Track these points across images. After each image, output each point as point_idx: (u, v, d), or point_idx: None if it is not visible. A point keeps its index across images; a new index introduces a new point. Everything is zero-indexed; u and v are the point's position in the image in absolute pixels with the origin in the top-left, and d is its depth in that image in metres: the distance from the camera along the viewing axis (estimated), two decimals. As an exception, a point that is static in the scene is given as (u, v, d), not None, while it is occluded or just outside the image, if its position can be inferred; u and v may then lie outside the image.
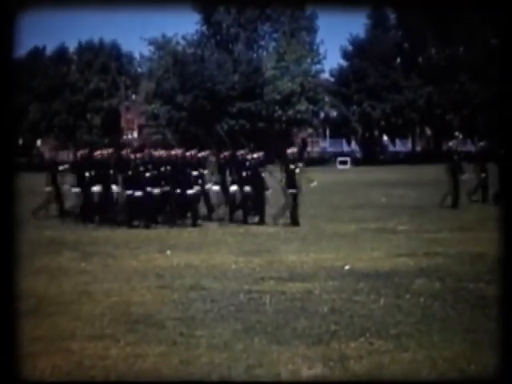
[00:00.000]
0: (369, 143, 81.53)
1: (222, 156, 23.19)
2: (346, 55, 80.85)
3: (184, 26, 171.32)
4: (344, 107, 78.54)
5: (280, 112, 78.33)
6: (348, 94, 77.68)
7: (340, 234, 18.22)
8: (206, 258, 14.54)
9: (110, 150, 22.21)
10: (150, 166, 20.64)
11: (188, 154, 22.11)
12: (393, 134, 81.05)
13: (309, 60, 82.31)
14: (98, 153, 21.80)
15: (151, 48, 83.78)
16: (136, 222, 20.41)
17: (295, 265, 13.46)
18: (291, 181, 20.48)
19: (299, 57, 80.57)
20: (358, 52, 78.91)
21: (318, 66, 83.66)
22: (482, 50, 71.48)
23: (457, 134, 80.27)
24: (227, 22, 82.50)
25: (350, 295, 10.63)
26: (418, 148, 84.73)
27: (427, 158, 69.13)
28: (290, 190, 20.44)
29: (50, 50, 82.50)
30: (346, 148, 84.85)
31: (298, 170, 20.57)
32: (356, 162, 73.35)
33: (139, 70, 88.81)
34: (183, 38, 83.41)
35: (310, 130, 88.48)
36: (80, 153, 22.97)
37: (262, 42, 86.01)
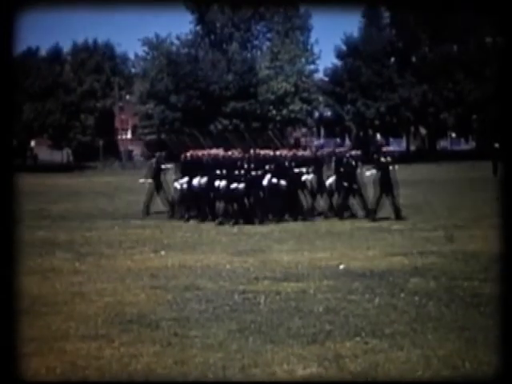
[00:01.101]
0: (363, 142, 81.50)
1: (319, 154, 23.81)
2: (339, 54, 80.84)
3: (178, 26, 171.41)
4: (338, 106, 78.55)
5: (274, 112, 78.36)
6: (342, 93, 77.69)
7: (334, 233, 18.22)
8: (200, 257, 14.52)
9: (217, 150, 22.60)
10: (255, 165, 21.29)
11: (292, 152, 22.59)
12: (387, 133, 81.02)
13: (303, 60, 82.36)
14: (204, 152, 22.51)
15: (145, 48, 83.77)
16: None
17: (290, 264, 13.44)
18: (385, 176, 20.77)
19: (293, 56, 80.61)
20: (351, 51, 78.92)
21: (312, 66, 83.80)
22: (476, 48, 71.61)
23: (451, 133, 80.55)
24: (221, 21, 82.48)
25: (345, 295, 10.61)
26: (413, 147, 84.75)
27: (422, 157, 69.19)
28: (386, 185, 20.82)
29: (43, 50, 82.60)
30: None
31: (391, 167, 21.13)
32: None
33: (133, 70, 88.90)
34: (177, 38, 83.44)
35: (304, 130, 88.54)
36: (189, 153, 23.28)
37: (256, 42, 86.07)
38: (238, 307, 9.95)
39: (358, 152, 22.86)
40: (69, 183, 49.95)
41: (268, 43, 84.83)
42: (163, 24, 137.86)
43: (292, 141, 73.07)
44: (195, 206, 22.52)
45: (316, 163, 22.81)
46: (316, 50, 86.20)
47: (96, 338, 8.52)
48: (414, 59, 78.37)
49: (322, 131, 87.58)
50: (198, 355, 7.75)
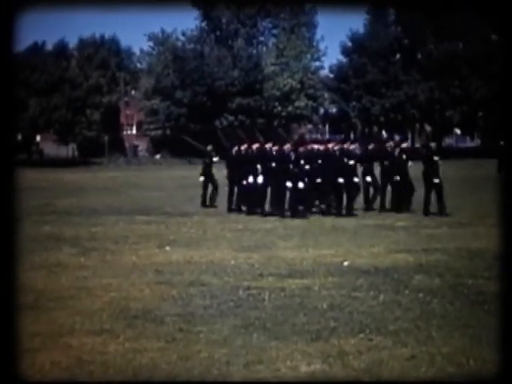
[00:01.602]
0: (368, 139, 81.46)
1: (369, 147, 24.06)
2: (345, 51, 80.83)
3: (183, 22, 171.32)
4: (343, 103, 78.54)
5: (280, 108, 78.35)
6: (347, 89, 77.71)
7: (339, 230, 18.22)
8: (205, 253, 14.53)
9: (270, 144, 22.75)
10: (308, 159, 21.59)
11: (342, 147, 22.67)
12: (392, 129, 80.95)
13: (308, 56, 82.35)
14: (258, 146, 22.76)
15: (151, 44, 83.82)
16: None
17: (294, 261, 13.45)
18: (434, 171, 20.88)
19: (299, 53, 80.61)
20: (357, 48, 78.89)
21: (318, 63, 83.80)
22: (482, 44, 71.45)
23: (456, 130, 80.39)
24: (227, 17, 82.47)
25: (350, 291, 10.62)
26: (417, 144, 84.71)
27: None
28: (435, 180, 20.80)
29: (50, 45, 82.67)
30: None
31: (441, 162, 21.27)
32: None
33: (139, 65, 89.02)
34: (183, 33, 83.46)
35: (309, 126, 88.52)
36: (239, 148, 23.38)
37: (262, 38, 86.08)
38: (242, 303, 9.97)
39: (409, 145, 23.01)
40: (74, 178, 49.98)
41: (274, 39, 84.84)
42: (169, 20, 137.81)
43: (296, 137, 73.13)
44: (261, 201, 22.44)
45: (367, 158, 23.14)
46: (322, 46, 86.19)
47: (101, 333, 8.54)
48: (419, 56, 78.27)
49: (327, 128, 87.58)
50: (203, 351, 7.76)
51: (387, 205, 22.58)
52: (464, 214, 21.05)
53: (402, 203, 22.12)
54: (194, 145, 25.54)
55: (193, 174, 50.52)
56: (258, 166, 22.00)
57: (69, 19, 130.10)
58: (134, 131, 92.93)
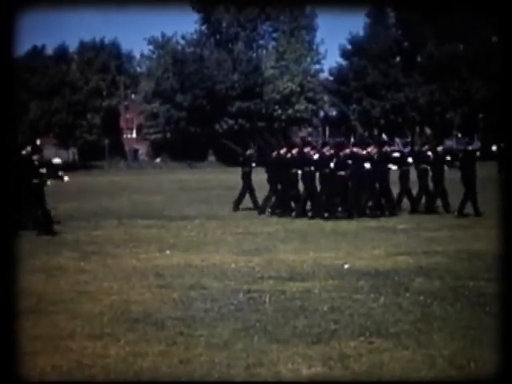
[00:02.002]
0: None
1: (406, 151, 24.81)
2: (345, 54, 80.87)
3: (184, 25, 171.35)
4: (343, 106, 78.57)
5: (279, 111, 78.37)
6: (347, 92, 77.75)
7: (339, 233, 18.22)
8: (205, 257, 14.54)
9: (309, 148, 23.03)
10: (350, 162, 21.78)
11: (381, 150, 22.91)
12: (392, 132, 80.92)
13: (308, 59, 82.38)
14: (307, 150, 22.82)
15: (151, 47, 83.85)
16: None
17: (295, 264, 13.45)
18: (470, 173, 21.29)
19: (299, 56, 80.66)
20: (357, 50, 78.94)
21: (318, 66, 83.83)
22: (482, 46, 71.48)
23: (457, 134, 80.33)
24: (227, 20, 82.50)
25: (350, 294, 10.62)
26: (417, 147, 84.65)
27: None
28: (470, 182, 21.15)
29: (50, 49, 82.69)
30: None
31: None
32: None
33: (139, 69, 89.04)
34: (182, 37, 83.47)
35: (309, 129, 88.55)
36: (278, 152, 23.45)
37: (262, 41, 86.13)
38: (243, 306, 9.97)
39: (440, 149, 23.26)
40: (74, 182, 49.88)
41: (274, 43, 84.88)
42: (169, 23, 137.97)
43: (298, 140, 73.17)
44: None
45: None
46: (321, 49, 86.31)
47: (102, 336, 8.55)
48: (419, 58, 78.30)
49: (328, 130, 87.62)
50: (204, 354, 7.77)
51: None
52: (464, 215, 21.03)
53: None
54: (233, 149, 25.30)
55: (193, 177, 50.58)
56: (299, 171, 22.31)
57: (69, 23, 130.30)
58: (134, 135, 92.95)
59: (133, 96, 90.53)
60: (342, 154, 21.77)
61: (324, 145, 23.41)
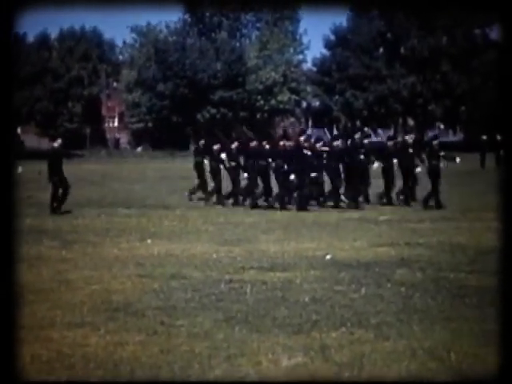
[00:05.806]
0: (351, 133, 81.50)
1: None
2: (328, 45, 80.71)
3: (168, 14, 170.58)
4: (326, 97, 78.52)
5: (262, 101, 78.23)
6: (330, 83, 77.64)
7: (321, 224, 18.23)
8: (186, 246, 14.51)
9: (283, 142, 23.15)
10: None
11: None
12: (375, 123, 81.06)
13: (291, 49, 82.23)
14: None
15: (133, 35, 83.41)
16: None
17: (276, 254, 13.45)
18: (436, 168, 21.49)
19: (282, 46, 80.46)
20: (340, 42, 78.80)
21: (301, 56, 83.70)
22: (464, 40, 71.67)
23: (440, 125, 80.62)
24: (210, 10, 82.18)
25: (331, 285, 10.62)
26: (400, 138, 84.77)
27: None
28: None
29: (31, 36, 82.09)
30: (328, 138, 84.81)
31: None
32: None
33: (120, 57, 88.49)
34: (167, 26, 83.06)
35: (292, 120, 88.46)
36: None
37: (245, 31, 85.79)
38: (224, 296, 9.95)
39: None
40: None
41: (257, 32, 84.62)
42: (153, 12, 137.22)
43: (280, 131, 73.18)
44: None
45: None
46: (305, 39, 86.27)
47: (82, 325, 8.51)
48: (402, 51, 78.33)
49: (310, 121, 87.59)
50: (184, 344, 7.74)
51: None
52: (446, 208, 21.10)
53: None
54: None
55: (175, 166, 50.42)
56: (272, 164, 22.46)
57: (51, 11, 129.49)
58: (116, 124, 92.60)
59: (115, 84, 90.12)
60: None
61: (301, 133, 23.71)
